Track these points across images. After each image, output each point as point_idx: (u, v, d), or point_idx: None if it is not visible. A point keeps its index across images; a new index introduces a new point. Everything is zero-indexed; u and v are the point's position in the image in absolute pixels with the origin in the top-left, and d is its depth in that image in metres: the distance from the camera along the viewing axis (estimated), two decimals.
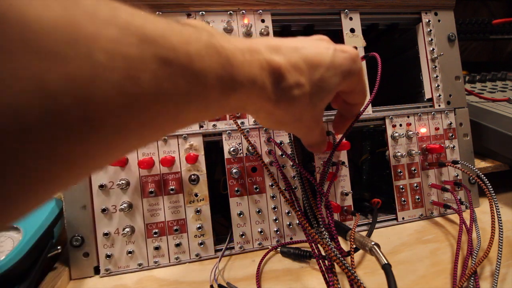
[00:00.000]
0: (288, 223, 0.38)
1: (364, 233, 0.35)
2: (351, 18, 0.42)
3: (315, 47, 0.24)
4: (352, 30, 0.42)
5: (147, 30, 0.13)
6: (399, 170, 0.42)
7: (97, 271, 0.34)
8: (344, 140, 0.38)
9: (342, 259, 0.26)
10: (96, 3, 0.12)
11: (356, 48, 0.42)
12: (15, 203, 0.10)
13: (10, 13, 0.09)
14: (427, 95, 0.45)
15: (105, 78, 0.11)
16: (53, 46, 0.10)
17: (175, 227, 0.35)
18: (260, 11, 0.39)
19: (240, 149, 0.37)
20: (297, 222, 0.38)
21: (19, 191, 0.10)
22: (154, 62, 0.13)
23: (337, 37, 0.45)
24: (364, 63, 0.41)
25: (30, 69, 0.09)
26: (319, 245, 0.29)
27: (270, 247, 0.36)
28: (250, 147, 0.37)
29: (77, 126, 0.10)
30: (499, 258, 0.30)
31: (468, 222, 0.36)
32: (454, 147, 0.44)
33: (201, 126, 0.37)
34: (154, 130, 0.15)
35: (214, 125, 0.37)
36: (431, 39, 0.45)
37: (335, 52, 0.24)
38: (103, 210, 0.34)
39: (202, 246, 0.36)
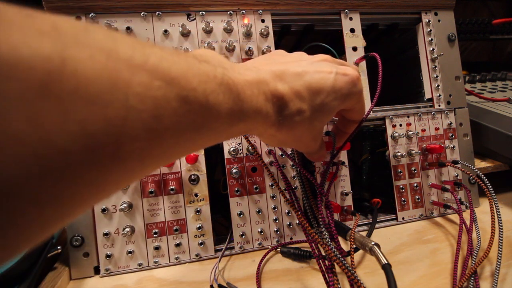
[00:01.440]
0: (288, 223, 0.38)
1: (364, 233, 0.35)
2: (351, 18, 0.42)
3: (318, 71, 0.24)
4: (352, 30, 0.42)
5: (172, 73, 0.14)
6: (399, 170, 0.42)
7: (97, 271, 0.34)
8: None
9: (342, 259, 0.26)
10: (131, 51, 0.13)
11: (356, 48, 0.42)
12: (52, 224, 0.12)
13: (66, 68, 0.10)
14: (427, 95, 0.45)
15: (135, 118, 0.12)
16: (96, 93, 0.11)
17: (175, 227, 0.35)
18: (260, 11, 0.39)
19: (240, 149, 0.37)
20: (297, 222, 0.38)
21: (53, 214, 0.11)
22: (176, 101, 0.14)
23: (337, 37, 0.45)
24: (364, 63, 0.41)
25: (77, 113, 0.10)
26: (319, 245, 0.29)
27: (270, 247, 0.36)
28: (250, 147, 0.37)
29: (108, 159, 0.12)
30: (499, 258, 0.30)
31: (468, 222, 0.36)
32: (454, 147, 0.44)
33: None
34: (169, 157, 0.16)
35: None
36: (431, 39, 0.45)
37: (336, 77, 0.25)
38: (103, 210, 0.34)
39: (202, 246, 0.36)
